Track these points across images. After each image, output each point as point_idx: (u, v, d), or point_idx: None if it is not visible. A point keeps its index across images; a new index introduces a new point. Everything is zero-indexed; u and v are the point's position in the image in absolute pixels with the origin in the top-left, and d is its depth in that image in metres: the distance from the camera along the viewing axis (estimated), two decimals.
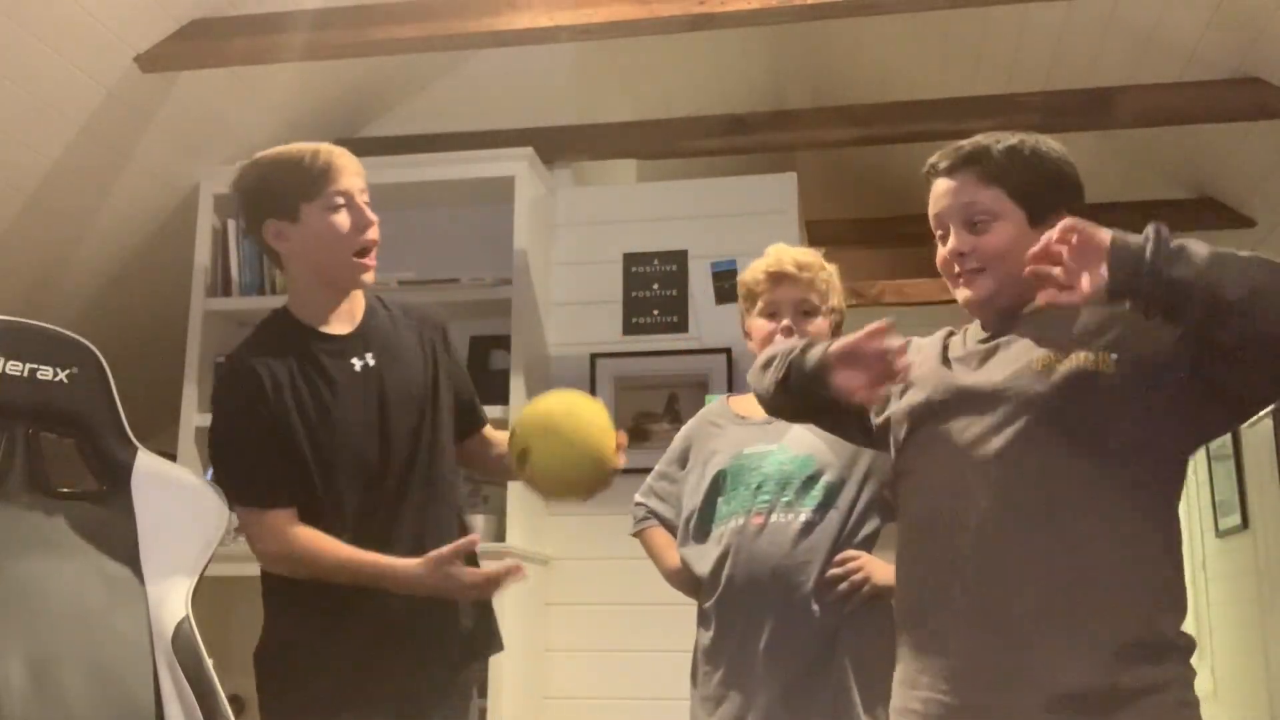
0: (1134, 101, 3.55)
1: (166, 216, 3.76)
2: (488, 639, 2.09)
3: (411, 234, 3.81)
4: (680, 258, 3.67)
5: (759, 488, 2.16)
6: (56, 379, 1.72)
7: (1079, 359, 1.49)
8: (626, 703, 3.40)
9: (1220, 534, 5.58)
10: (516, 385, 3.39)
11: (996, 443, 1.51)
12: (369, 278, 1.97)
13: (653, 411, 3.56)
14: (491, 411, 3.30)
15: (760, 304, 2.29)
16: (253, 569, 3.64)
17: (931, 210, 1.68)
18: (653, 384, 3.58)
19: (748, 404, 2.33)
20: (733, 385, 3.48)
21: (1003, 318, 1.64)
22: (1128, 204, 4.52)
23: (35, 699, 1.52)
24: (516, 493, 3.30)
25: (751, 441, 2.24)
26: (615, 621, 3.47)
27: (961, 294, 1.65)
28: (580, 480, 1.90)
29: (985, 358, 1.60)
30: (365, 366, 1.95)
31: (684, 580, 2.26)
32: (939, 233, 1.68)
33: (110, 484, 1.76)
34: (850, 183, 5.34)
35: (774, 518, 2.12)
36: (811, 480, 2.15)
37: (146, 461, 1.79)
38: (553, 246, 3.76)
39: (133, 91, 3.25)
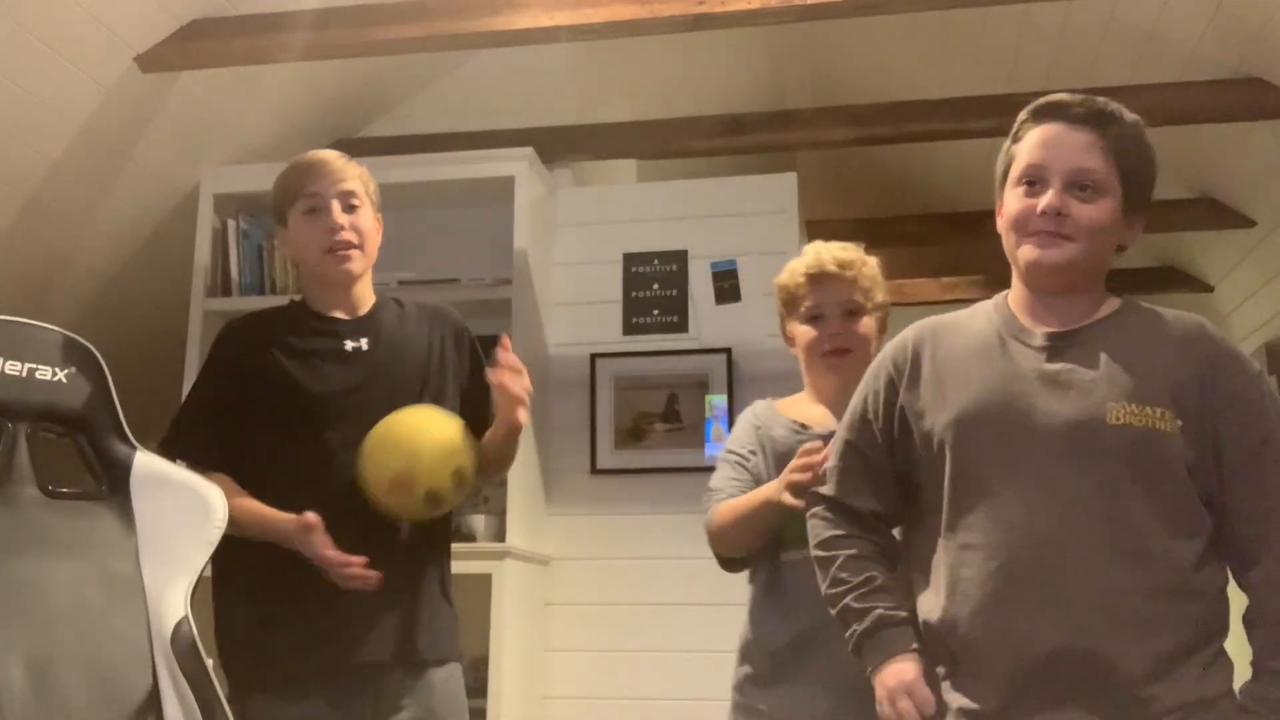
0: (1134, 101, 3.52)
1: (166, 216, 3.76)
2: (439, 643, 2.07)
3: (411, 234, 3.80)
4: (680, 258, 3.67)
5: None
6: (56, 379, 1.72)
7: (1150, 416, 1.46)
8: (626, 703, 3.40)
9: None
10: None
11: (1073, 483, 1.47)
12: (349, 268, 2.06)
13: (652, 411, 3.56)
14: None
15: (803, 308, 2.11)
16: None
17: (1031, 156, 1.55)
18: (652, 384, 3.58)
19: (798, 407, 2.15)
20: (732, 385, 3.48)
21: (1061, 311, 1.57)
22: None
23: (34, 699, 1.52)
24: (516, 493, 3.30)
25: None
26: (615, 621, 3.47)
27: (1033, 253, 1.53)
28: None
29: (1053, 380, 1.52)
30: (357, 349, 2.05)
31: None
32: (1028, 182, 1.55)
33: (110, 484, 1.76)
34: (850, 183, 5.34)
35: None
36: None
37: (146, 461, 1.79)
38: (553, 246, 3.76)
39: (133, 91, 3.25)
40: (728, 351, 3.54)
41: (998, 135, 3.96)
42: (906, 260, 5.10)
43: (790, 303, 2.14)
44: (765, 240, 3.64)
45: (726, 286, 3.60)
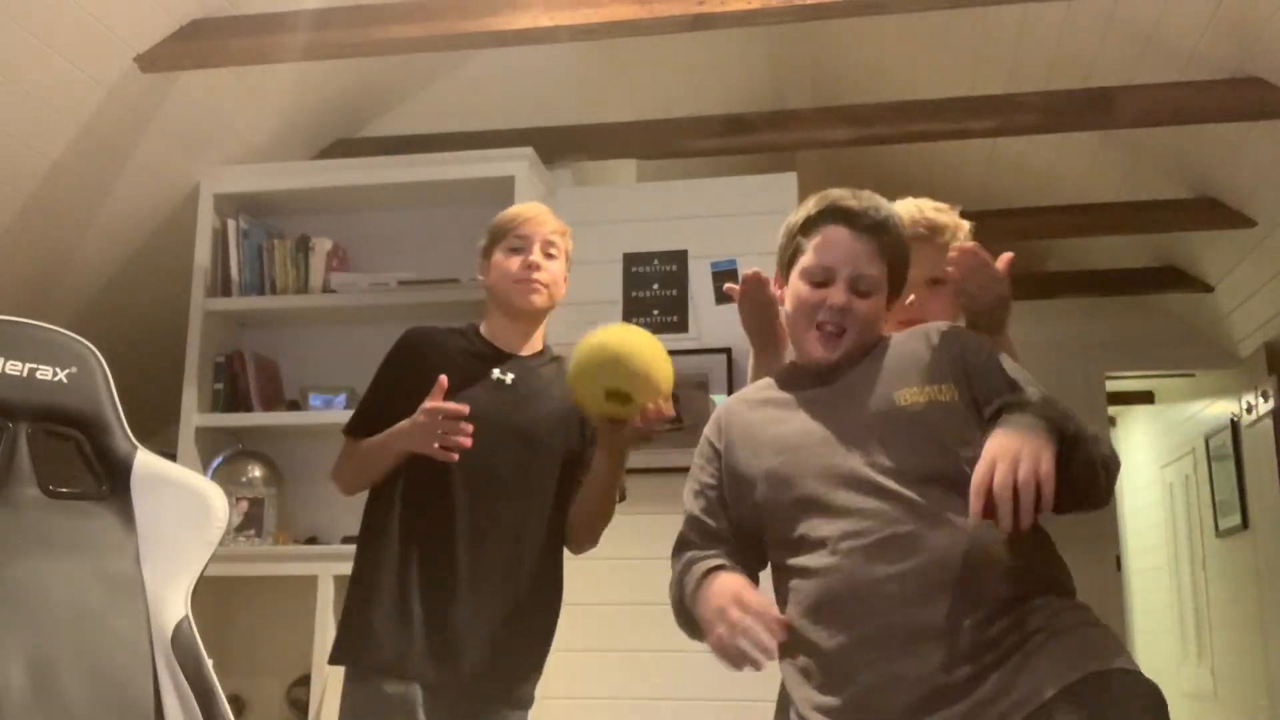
0: (1134, 101, 3.55)
1: (166, 216, 3.76)
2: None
3: (411, 234, 3.81)
4: (680, 258, 3.67)
5: None
6: (56, 379, 1.73)
7: (932, 391, 1.69)
8: (626, 703, 3.40)
9: (1220, 534, 5.58)
10: None
11: (882, 464, 1.65)
12: (534, 299, 2.28)
13: None
14: None
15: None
16: (252, 569, 3.64)
17: (822, 256, 1.79)
18: None
19: None
20: (732, 385, 3.48)
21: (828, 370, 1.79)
22: (1128, 204, 4.52)
23: (35, 700, 1.52)
24: None
25: None
26: (615, 621, 3.47)
27: (817, 350, 1.77)
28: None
29: (841, 394, 1.75)
30: (500, 381, 2.23)
31: None
32: (818, 279, 1.78)
33: (110, 484, 1.76)
34: (850, 183, 5.34)
35: None
36: None
37: (146, 461, 1.79)
38: None
39: (133, 91, 3.25)
40: (728, 351, 3.54)
41: (998, 135, 3.97)
42: None
43: None
44: (765, 240, 3.60)
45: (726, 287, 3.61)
